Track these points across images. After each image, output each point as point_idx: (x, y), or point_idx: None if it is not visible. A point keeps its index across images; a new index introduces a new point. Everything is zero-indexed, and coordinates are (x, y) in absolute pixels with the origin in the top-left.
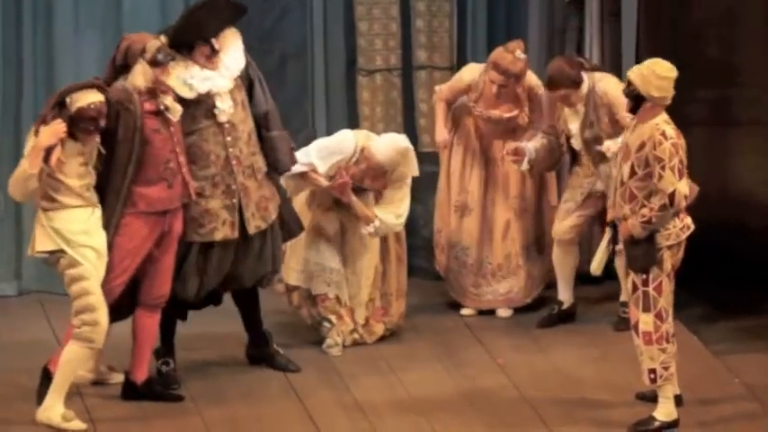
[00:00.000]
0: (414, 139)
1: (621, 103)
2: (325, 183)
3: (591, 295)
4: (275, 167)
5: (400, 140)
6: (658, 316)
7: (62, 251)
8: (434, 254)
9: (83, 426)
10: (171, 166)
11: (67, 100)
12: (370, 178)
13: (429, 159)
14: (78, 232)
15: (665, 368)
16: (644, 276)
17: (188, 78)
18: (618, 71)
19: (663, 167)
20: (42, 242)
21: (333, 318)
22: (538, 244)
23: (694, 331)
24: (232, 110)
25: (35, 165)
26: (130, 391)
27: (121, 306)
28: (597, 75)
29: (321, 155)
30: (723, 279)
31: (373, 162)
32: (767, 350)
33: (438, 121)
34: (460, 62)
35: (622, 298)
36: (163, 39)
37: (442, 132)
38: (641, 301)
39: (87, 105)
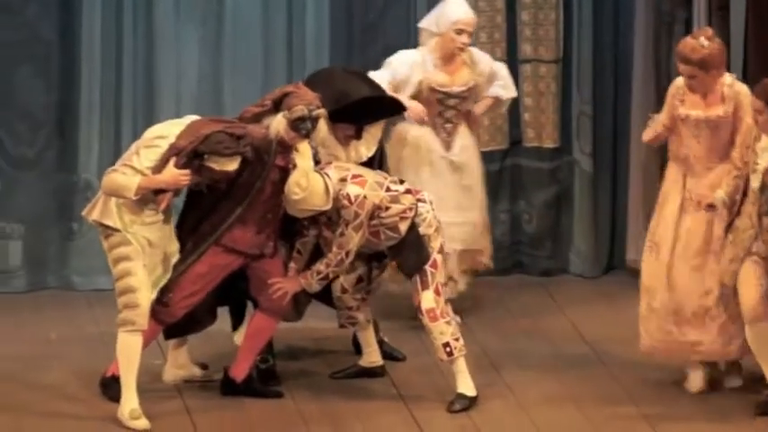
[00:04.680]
0: (518, 133)
1: None
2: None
3: None
4: None
5: None
6: (437, 291)
7: (117, 230)
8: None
9: (146, 425)
10: (269, 216)
11: (206, 156)
12: None
13: (533, 154)
14: (138, 223)
15: (457, 339)
16: None
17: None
18: (726, 66)
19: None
20: (102, 213)
21: None
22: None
23: None
24: None
25: (139, 193)
26: (229, 388)
27: (202, 318)
28: None
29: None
30: None
31: None
32: None
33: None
34: (566, 55)
35: None
36: (322, 111)
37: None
38: (419, 281)
39: (220, 170)
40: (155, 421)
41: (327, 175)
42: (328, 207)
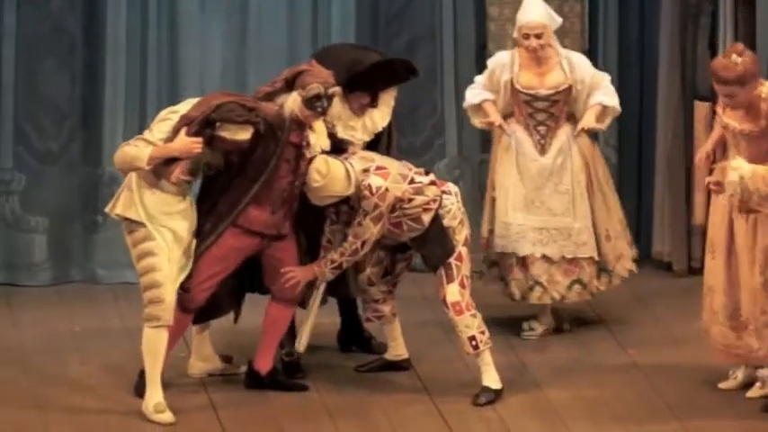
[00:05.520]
0: None
1: None
2: (494, 117)
3: None
4: None
5: None
6: (462, 284)
7: (142, 224)
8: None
9: (170, 418)
10: (285, 195)
11: (218, 123)
12: None
13: None
14: (162, 213)
15: (482, 332)
16: None
17: (333, 124)
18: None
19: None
20: (126, 207)
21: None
22: None
23: None
24: None
25: (152, 163)
26: (253, 381)
27: (222, 302)
28: None
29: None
30: None
31: None
32: None
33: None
34: (591, 47)
35: None
36: (338, 89)
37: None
38: (444, 274)
39: (232, 140)
40: (179, 415)
41: (350, 164)
42: (350, 192)
